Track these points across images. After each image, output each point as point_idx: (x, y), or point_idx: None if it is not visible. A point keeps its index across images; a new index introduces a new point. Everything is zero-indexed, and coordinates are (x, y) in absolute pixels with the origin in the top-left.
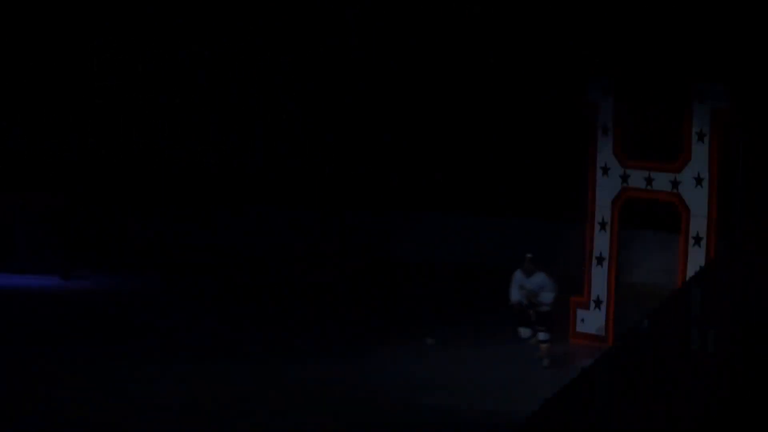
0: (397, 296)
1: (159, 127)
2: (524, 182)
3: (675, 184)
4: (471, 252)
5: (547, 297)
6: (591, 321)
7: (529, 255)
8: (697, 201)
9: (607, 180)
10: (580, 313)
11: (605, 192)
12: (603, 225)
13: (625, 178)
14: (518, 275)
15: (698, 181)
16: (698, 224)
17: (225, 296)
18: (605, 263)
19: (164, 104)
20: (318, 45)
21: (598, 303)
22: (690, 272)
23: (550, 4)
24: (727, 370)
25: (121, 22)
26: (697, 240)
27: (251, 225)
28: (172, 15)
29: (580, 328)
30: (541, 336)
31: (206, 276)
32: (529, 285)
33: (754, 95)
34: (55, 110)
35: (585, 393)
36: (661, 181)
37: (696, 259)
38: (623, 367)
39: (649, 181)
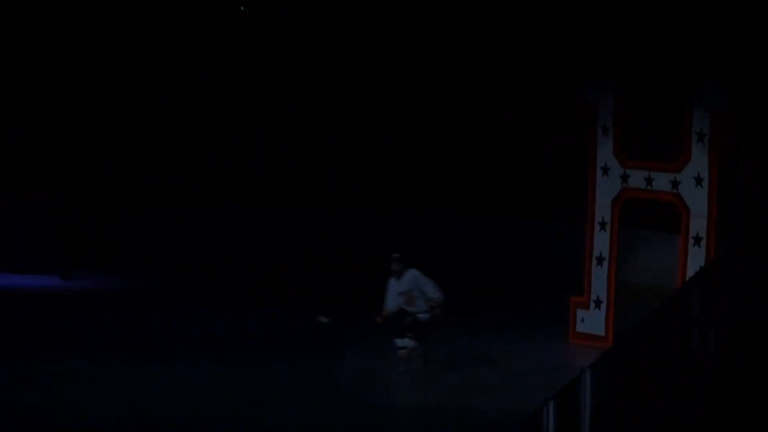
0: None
1: (159, 127)
2: (524, 182)
3: (675, 184)
4: (470, 252)
5: (434, 293)
6: (591, 321)
7: (395, 255)
8: (697, 201)
9: (607, 180)
10: (580, 313)
11: (605, 192)
12: (603, 225)
13: (625, 178)
14: (391, 282)
15: (698, 181)
16: (698, 224)
17: (224, 296)
18: (605, 263)
19: (164, 104)
20: (318, 45)
21: (598, 303)
22: (690, 272)
23: (550, 4)
24: (727, 370)
25: (121, 22)
26: (697, 240)
27: (251, 225)
28: (172, 15)
29: (580, 328)
30: (406, 342)
31: (206, 276)
32: (403, 287)
33: (754, 95)
34: (55, 110)
35: (585, 393)
36: (661, 181)
37: (696, 259)
38: (623, 367)
39: (649, 181)
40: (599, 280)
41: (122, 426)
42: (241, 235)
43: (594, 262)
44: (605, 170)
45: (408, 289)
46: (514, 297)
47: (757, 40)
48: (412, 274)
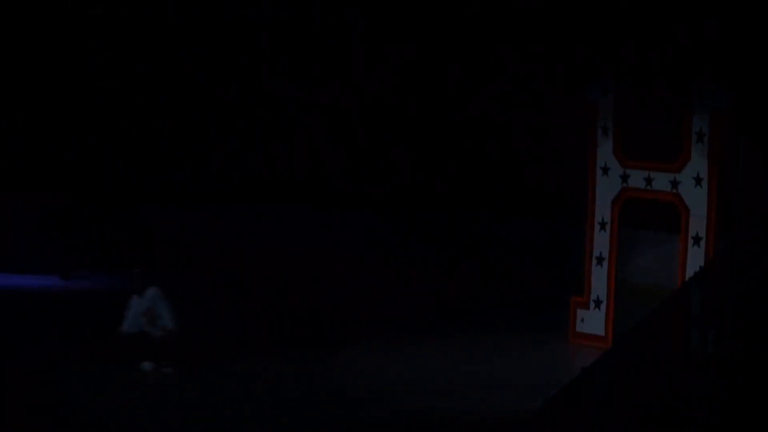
0: (394, 294)
1: (159, 127)
2: (524, 182)
3: (675, 184)
4: (469, 251)
5: (167, 320)
6: (591, 321)
7: (136, 270)
8: (697, 201)
9: (607, 180)
10: (580, 313)
11: (605, 192)
12: (603, 225)
13: (625, 178)
14: (134, 300)
15: (698, 181)
16: (698, 224)
17: (224, 296)
18: (605, 263)
19: (164, 104)
20: (318, 45)
21: (598, 303)
22: (690, 272)
23: (550, 4)
24: (727, 370)
25: (121, 22)
26: (697, 240)
27: (251, 225)
28: (172, 15)
29: (580, 328)
30: (146, 366)
31: (206, 276)
32: (145, 304)
33: (754, 95)
34: (55, 110)
35: (585, 393)
36: (661, 181)
37: (696, 259)
38: (623, 367)
39: (648, 181)
40: (599, 280)
41: (122, 426)
42: (241, 235)
43: (594, 262)
44: (605, 170)
45: (150, 307)
46: (514, 297)
47: (757, 41)
48: (153, 292)
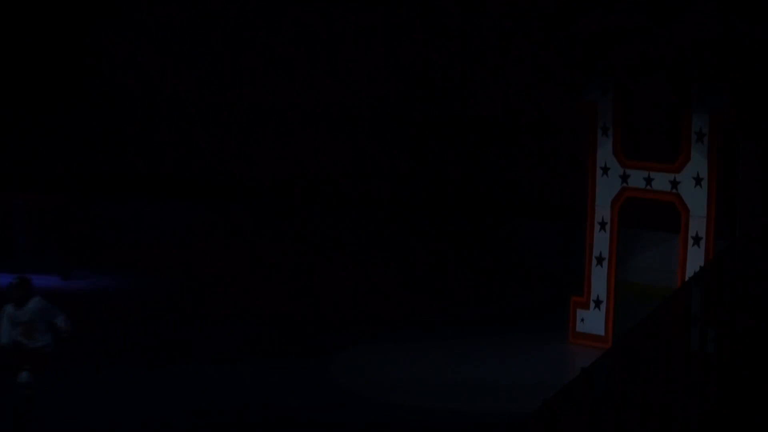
0: (394, 294)
1: (159, 127)
2: (524, 182)
3: (674, 184)
4: (469, 251)
5: (65, 323)
6: (591, 321)
7: (14, 280)
8: (697, 201)
9: (607, 180)
10: (580, 313)
11: (605, 192)
12: (603, 225)
13: (624, 178)
14: (8, 310)
15: (698, 181)
16: (697, 224)
17: (225, 296)
18: (605, 263)
19: (165, 104)
20: (318, 45)
21: (598, 303)
22: (690, 272)
23: (549, 4)
24: (727, 370)
25: (121, 22)
26: (697, 240)
27: (251, 224)
28: (172, 15)
29: (580, 328)
30: (24, 377)
31: (206, 276)
32: (24, 317)
33: (754, 95)
34: (55, 110)
35: (585, 393)
36: (661, 181)
37: (695, 259)
38: (623, 367)
39: (648, 181)
40: (599, 280)
41: (122, 426)
42: (241, 235)
43: (594, 262)
44: (605, 170)
45: (30, 320)
46: (514, 297)
47: (757, 41)
48: (36, 304)
